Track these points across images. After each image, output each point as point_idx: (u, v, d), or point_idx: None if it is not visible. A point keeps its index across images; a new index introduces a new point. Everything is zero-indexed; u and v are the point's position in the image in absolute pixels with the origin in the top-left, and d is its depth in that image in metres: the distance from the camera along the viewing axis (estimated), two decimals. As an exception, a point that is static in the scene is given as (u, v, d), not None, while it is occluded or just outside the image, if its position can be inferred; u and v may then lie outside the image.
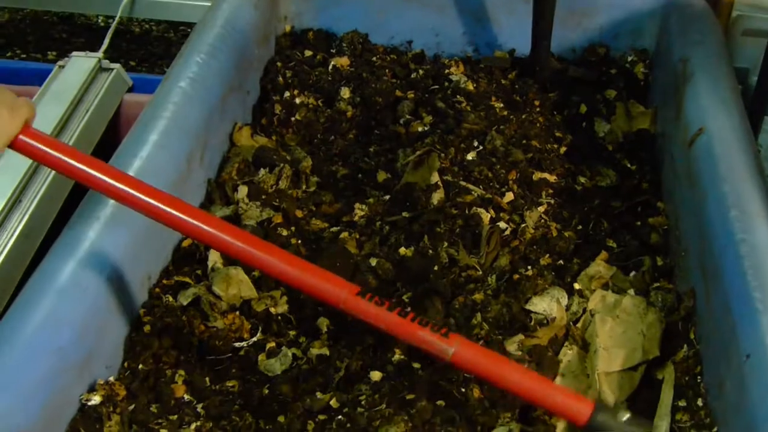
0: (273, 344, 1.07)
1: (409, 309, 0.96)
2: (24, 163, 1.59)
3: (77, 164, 0.91)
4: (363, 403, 0.98)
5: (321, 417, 0.97)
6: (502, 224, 1.24)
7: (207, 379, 1.00)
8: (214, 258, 1.14)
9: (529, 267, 1.19)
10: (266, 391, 1.00)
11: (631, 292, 1.13)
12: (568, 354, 1.07)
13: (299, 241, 1.22)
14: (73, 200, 1.05)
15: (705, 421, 0.97)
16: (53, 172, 1.57)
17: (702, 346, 1.05)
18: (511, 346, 1.07)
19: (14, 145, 0.90)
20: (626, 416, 0.93)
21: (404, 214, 1.26)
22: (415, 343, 0.94)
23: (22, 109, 0.90)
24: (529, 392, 0.94)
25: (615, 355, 1.04)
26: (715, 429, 0.95)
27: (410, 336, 0.94)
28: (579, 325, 1.11)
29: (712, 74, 1.33)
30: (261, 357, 1.05)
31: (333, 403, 0.98)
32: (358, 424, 0.95)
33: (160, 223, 0.93)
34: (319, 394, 0.99)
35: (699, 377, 1.02)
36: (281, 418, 0.96)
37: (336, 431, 0.95)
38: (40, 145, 0.90)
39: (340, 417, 0.96)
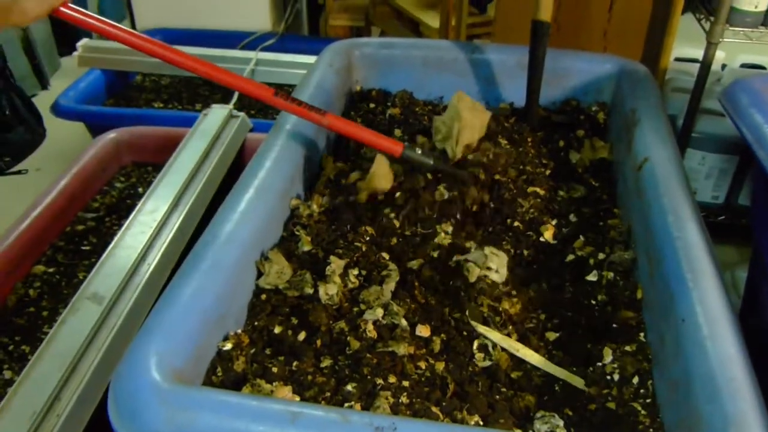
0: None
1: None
2: (179, 179, 1.59)
3: (93, 21, 1.03)
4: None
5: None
6: (506, 223, 1.21)
7: (305, 333, 0.97)
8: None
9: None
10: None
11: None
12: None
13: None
14: (213, 207, 1.05)
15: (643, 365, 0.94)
16: (200, 189, 1.58)
17: (645, 312, 1.02)
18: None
19: (56, 13, 0.98)
20: (421, 150, 1.15)
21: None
22: (306, 118, 1.14)
23: None
24: (368, 140, 1.18)
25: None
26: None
27: (301, 113, 1.13)
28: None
29: (653, 120, 1.29)
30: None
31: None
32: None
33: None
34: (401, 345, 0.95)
35: (642, 333, 0.99)
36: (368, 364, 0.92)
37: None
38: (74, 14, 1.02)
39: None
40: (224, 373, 0.88)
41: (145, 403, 0.73)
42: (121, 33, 1.05)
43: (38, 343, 1.17)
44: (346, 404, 0.84)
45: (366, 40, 1.65)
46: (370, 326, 0.95)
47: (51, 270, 1.56)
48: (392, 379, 0.88)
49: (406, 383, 0.88)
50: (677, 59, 2.14)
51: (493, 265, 1.09)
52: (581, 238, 1.19)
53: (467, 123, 1.27)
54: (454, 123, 1.26)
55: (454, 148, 1.26)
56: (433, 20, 2.54)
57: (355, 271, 1.05)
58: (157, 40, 1.09)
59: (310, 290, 1.02)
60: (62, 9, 1.01)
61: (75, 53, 2.53)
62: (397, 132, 1.48)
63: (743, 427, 0.72)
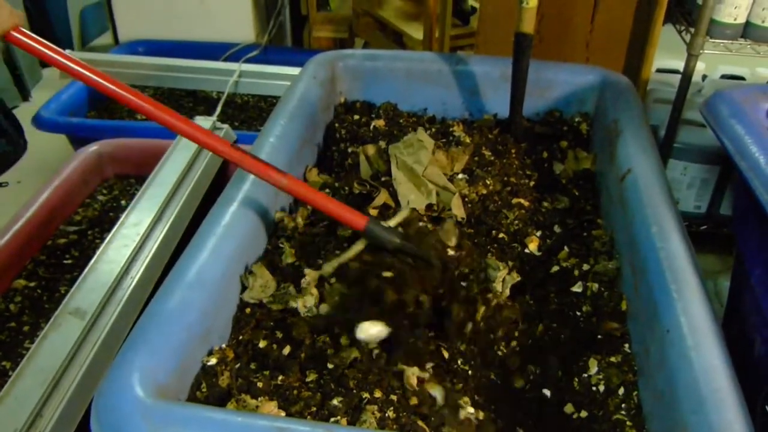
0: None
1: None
2: (163, 192, 1.58)
3: (45, 51, 0.95)
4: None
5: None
6: (491, 234, 1.21)
7: (289, 347, 0.97)
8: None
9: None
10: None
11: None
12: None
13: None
14: (197, 220, 1.05)
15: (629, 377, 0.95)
16: (184, 202, 1.57)
17: (630, 322, 1.02)
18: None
19: (7, 38, 0.91)
20: (387, 226, 1.03)
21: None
22: (264, 178, 1.02)
23: (13, 14, 0.90)
24: (330, 211, 1.04)
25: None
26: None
27: (262, 174, 1.02)
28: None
29: (635, 131, 1.30)
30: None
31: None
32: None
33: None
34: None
35: (627, 344, 0.99)
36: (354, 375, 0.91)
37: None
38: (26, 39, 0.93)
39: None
40: (209, 389, 0.87)
41: (129, 420, 0.72)
42: (83, 70, 0.99)
43: (19, 358, 1.16)
44: (332, 419, 0.83)
45: (350, 52, 1.66)
46: (356, 339, 0.95)
47: (32, 284, 1.54)
48: (378, 393, 0.87)
49: (392, 397, 0.88)
50: (659, 70, 2.16)
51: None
52: (565, 249, 1.20)
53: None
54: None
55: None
56: (416, 32, 2.55)
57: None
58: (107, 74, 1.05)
59: (294, 303, 1.02)
60: (13, 34, 0.91)
61: (57, 65, 2.51)
62: (382, 143, 1.48)
63: (728, 438, 0.72)
